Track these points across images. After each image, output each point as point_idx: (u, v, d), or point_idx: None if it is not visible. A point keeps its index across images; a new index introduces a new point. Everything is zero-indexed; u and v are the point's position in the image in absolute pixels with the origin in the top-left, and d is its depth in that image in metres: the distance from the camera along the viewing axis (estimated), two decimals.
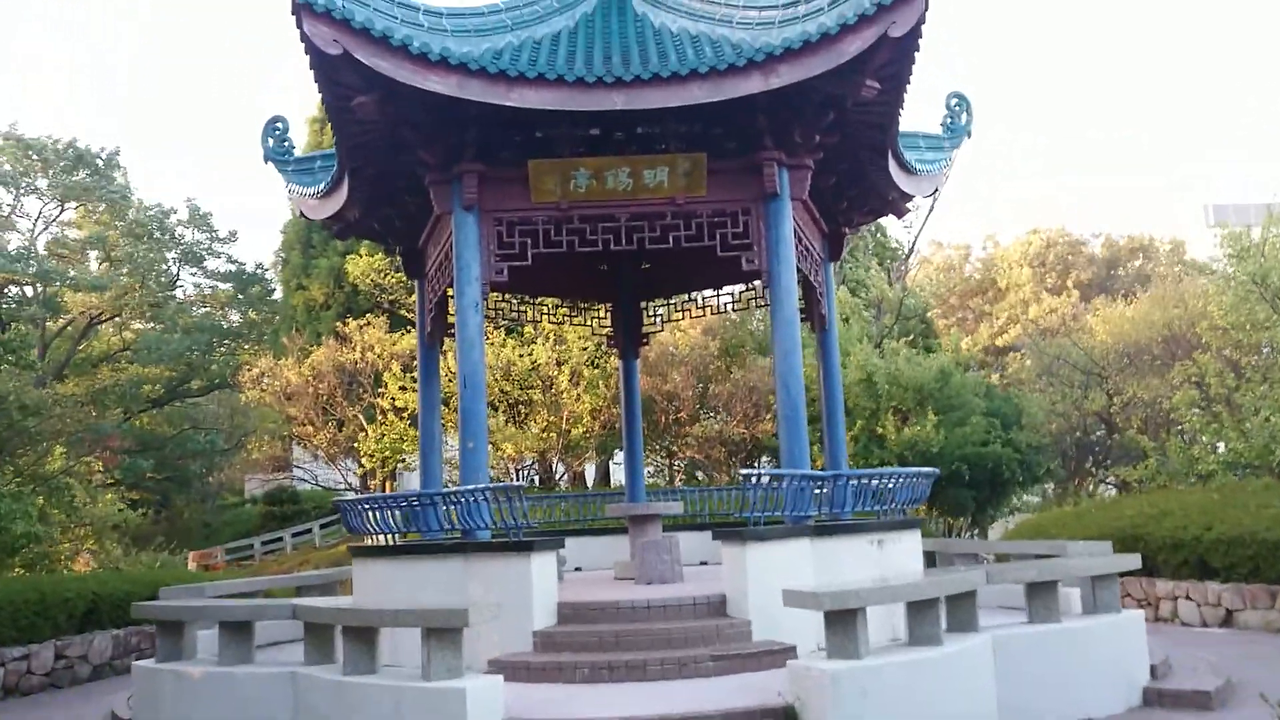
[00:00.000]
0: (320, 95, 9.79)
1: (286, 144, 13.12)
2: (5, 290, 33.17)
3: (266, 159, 12.96)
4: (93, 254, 36.41)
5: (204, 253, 37.44)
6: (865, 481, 10.56)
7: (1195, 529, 14.06)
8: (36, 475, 17.08)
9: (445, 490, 10.08)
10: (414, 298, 14.64)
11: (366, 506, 10.49)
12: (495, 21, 10.97)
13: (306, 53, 9.23)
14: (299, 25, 9.00)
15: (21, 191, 34.09)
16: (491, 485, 9.52)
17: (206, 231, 37.38)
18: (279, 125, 13.08)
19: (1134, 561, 9.76)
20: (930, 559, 13.31)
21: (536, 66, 9.56)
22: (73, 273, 32.86)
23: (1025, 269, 41.52)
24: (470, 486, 9.58)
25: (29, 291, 33.49)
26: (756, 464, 25.62)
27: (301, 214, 13.29)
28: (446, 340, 12.82)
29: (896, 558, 10.29)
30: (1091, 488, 27.79)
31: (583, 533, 14.34)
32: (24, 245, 33.15)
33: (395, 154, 10.71)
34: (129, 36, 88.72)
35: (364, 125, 10.19)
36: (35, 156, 33.20)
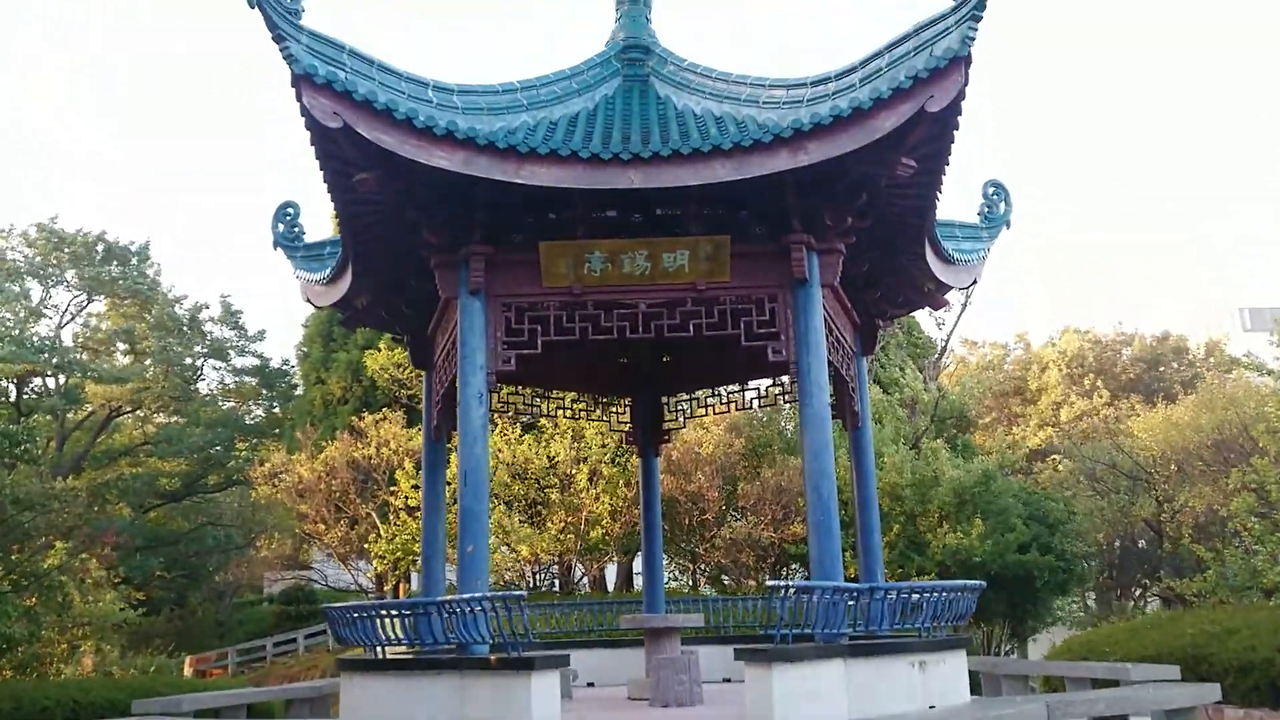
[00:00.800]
0: (321, 172, 9.26)
1: (297, 229, 12.66)
2: (27, 381, 32.99)
3: (276, 245, 12.51)
4: (120, 346, 36.32)
5: (231, 349, 37.29)
6: (904, 595, 9.55)
7: (1266, 650, 12.79)
8: (27, 573, 16.28)
9: (440, 599, 9.17)
10: None
11: (355, 615, 9.59)
12: (510, 101, 10.50)
13: (307, 127, 8.72)
14: (299, 97, 8.50)
15: (51, 283, 34.23)
16: (490, 594, 8.61)
17: (236, 329, 37.29)
18: (290, 210, 12.67)
19: (1214, 693, 8.66)
20: (974, 679, 12.16)
21: (549, 143, 9.00)
22: (94, 364, 32.66)
23: (1055, 371, 40.50)
24: (467, 595, 8.69)
25: (51, 383, 33.29)
26: (785, 572, 24.38)
27: (308, 300, 12.72)
28: (454, 435, 12.06)
29: (940, 682, 9.22)
30: (1140, 599, 26.26)
31: (597, 644, 13.35)
32: (49, 336, 33.07)
33: (400, 235, 10.13)
34: (166, 127, 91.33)
35: (367, 204, 9.65)
36: (67, 249, 33.39)
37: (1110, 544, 24.33)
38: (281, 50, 8.46)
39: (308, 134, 8.81)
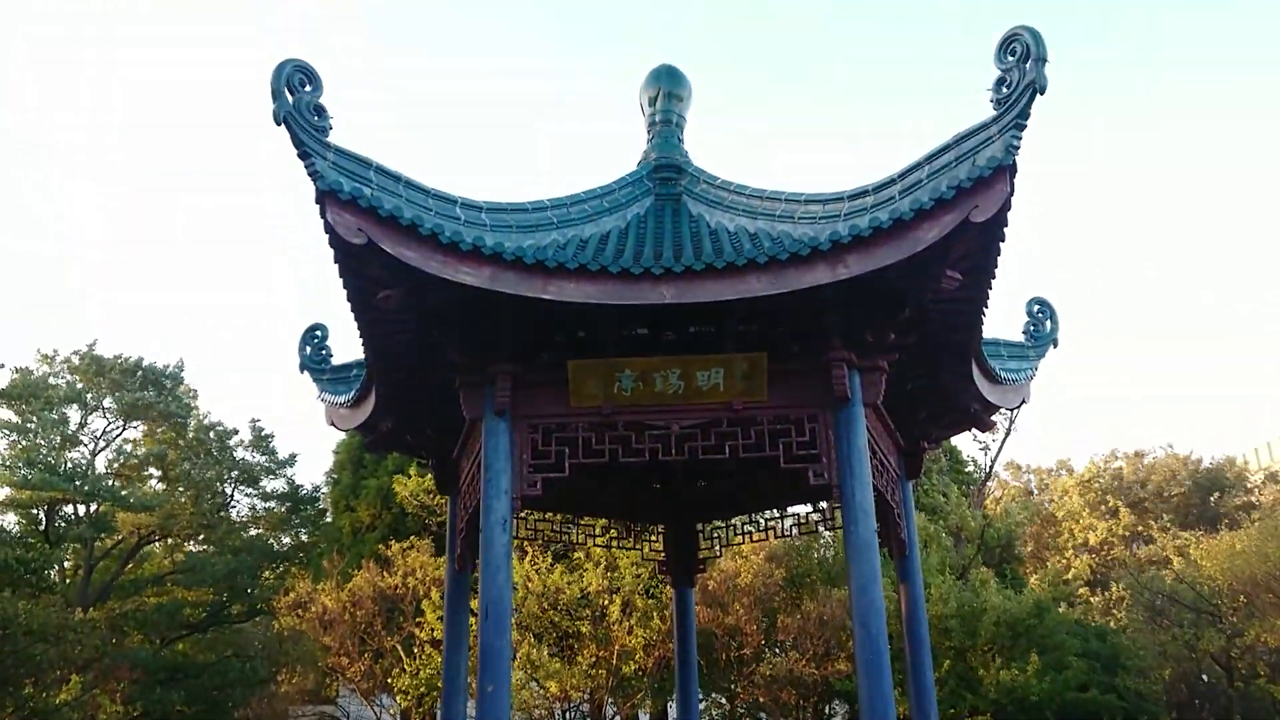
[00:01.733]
0: (344, 289, 9.02)
1: (324, 352, 12.48)
2: (58, 508, 32.79)
3: (302, 368, 12.31)
4: (152, 472, 36.20)
5: (261, 473, 37.03)
6: None
7: None
8: (38, 710, 15.65)
9: None
10: None
11: None
12: (540, 219, 10.31)
13: (330, 244, 8.52)
14: (323, 214, 8.33)
15: (89, 410, 34.40)
16: None
17: (267, 454, 37.11)
18: (318, 333, 12.52)
19: None
20: None
21: (578, 259, 8.71)
22: (125, 491, 32.47)
23: (1077, 497, 39.25)
24: None
25: (81, 509, 33.08)
26: (829, 710, 23.08)
27: (332, 424, 12.39)
28: (479, 564, 11.50)
29: None
30: None
31: None
32: (81, 462, 33.04)
33: (425, 355, 9.82)
34: (200, 241, 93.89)
35: (390, 323, 9.37)
36: (106, 375, 33.66)
37: (1175, 683, 22.86)
38: (307, 167, 8.34)
39: (331, 251, 8.63)
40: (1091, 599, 29.48)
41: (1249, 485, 41.89)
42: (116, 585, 33.15)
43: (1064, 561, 34.98)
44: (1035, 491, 43.55)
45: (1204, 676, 23.82)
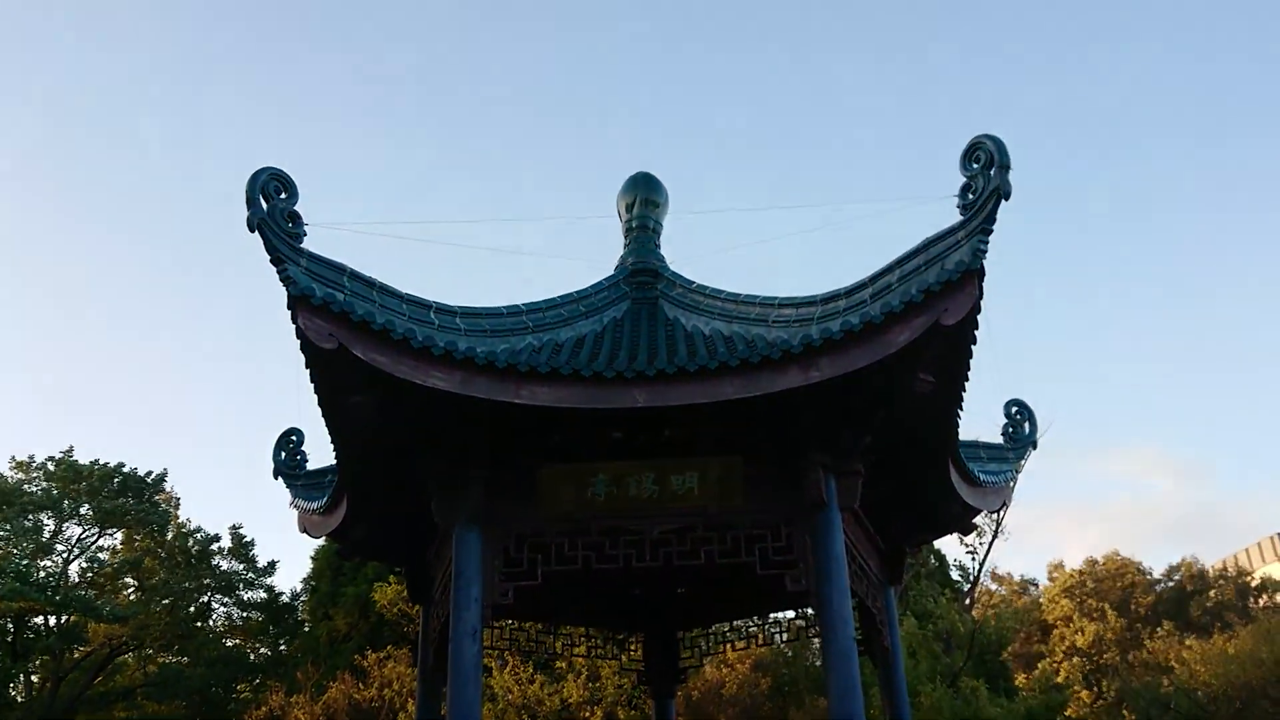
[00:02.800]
0: (315, 395, 8.95)
1: (299, 457, 12.31)
2: (27, 619, 31.93)
3: (276, 473, 12.13)
4: (127, 580, 35.41)
5: (240, 582, 36.25)
6: None
7: None
8: None
9: None
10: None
11: None
12: (514, 323, 10.34)
13: (302, 350, 8.48)
14: (294, 319, 8.31)
15: (64, 517, 33.80)
16: None
17: (246, 562, 36.41)
18: (294, 438, 12.36)
19: None
20: None
21: (551, 363, 8.70)
22: (98, 601, 31.70)
23: (1064, 601, 38.69)
24: None
25: (51, 620, 32.23)
26: None
27: (305, 531, 12.17)
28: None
29: None
30: None
31: None
32: (54, 571, 32.31)
33: (396, 461, 9.71)
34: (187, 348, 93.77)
35: (362, 428, 9.27)
36: (84, 482, 33.19)
37: None
38: (280, 273, 8.35)
39: (302, 357, 8.59)
40: (1084, 697, 28.78)
41: (1223, 588, 41.45)
42: (85, 699, 32.09)
43: (1053, 666, 34.30)
44: (1024, 595, 42.93)
45: None
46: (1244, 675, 21.88)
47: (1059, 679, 25.85)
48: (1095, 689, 28.21)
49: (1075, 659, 33.89)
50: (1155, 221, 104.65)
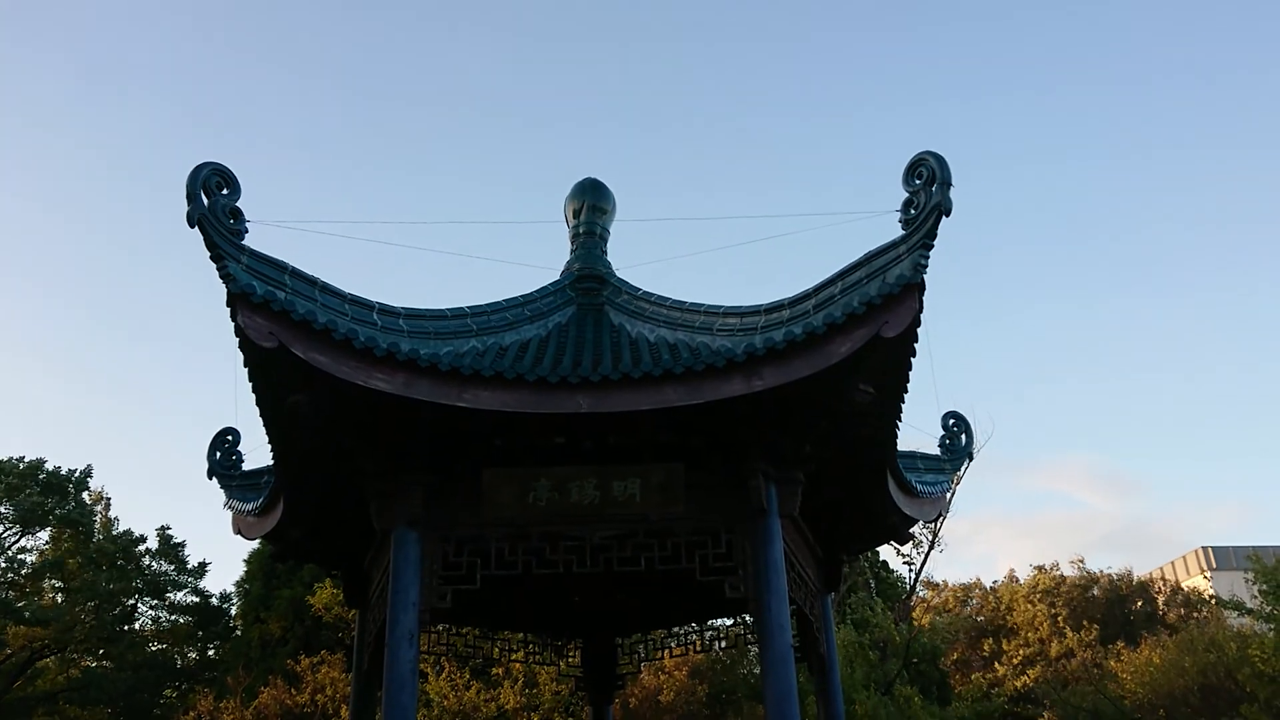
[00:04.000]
0: (254, 394, 8.81)
1: (235, 458, 12.08)
2: None
3: (210, 473, 11.90)
4: (51, 582, 34.37)
5: (168, 584, 35.39)
6: None
7: None
8: None
9: None
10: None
11: None
12: (459, 326, 10.29)
13: (240, 348, 8.34)
14: (234, 316, 8.17)
15: None
16: None
17: (175, 563, 35.56)
18: (229, 438, 12.14)
19: None
20: None
21: (495, 366, 8.65)
22: (19, 603, 30.75)
23: (1038, 606, 39.27)
24: None
25: None
26: None
27: (239, 533, 11.95)
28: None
29: None
30: None
31: None
32: None
33: (335, 463, 9.58)
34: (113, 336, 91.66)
35: (301, 429, 9.12)
36: (2, 480, 32.17)
37: None
38: (219, 270, 8.22)
39: (241, 355, 8.45)
40: (1030, 713, 29.25)
41: (1158, 598, 42.49)
42: (4, 703, 31.07)
43: (1005, 672, 34.69)
44: (963, 605, 43.54)
45: None
46: (1168, 684, 22.45)
47: (1018, 685, 26.27)
48: (1034, 703, 28.67)
49: (1038, 666, 34.27)
50: (1092, 234, 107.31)
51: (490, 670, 22.03)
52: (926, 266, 8.28)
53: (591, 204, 12.40)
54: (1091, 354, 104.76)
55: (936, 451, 12.56)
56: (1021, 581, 42.32)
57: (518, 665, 19.96)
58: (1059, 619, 38.19)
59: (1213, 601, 34.91)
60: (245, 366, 8.56)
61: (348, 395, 8.49)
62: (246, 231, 8.49)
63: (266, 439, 9.51)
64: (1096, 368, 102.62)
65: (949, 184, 8.31)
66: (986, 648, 38.72)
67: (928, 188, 8.40)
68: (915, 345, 8.60)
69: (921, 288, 8.25)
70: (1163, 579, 47.02)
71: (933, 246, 8.33)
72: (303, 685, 23.26)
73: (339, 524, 11.06)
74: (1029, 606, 39.22)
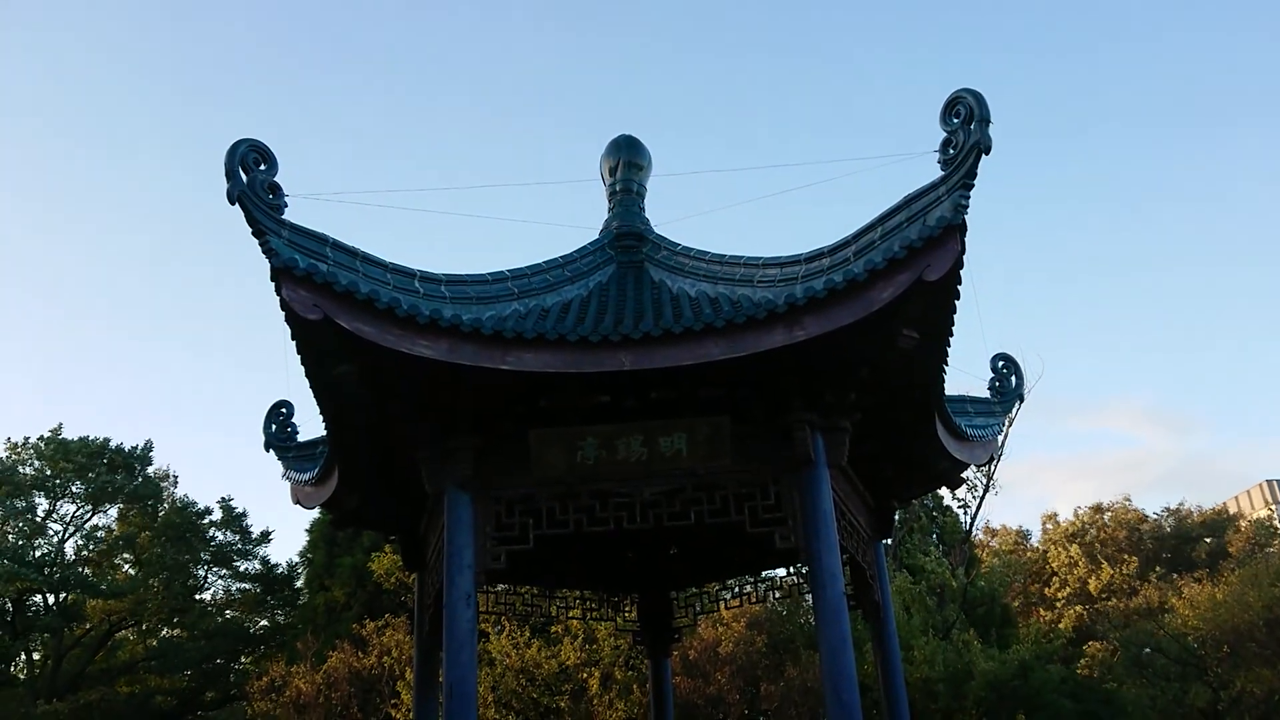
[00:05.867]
0: (302, 366, 8.95)
1: (290, 429, 12.34)
2: (26, 598, 32.04)
3: (267, 446, 12.17)
4: (123, 556, 35.51)
5: (234, 554, 36.40)
6: None
7: None
8: None
9: None
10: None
11: None
12: (500, 289, 10.32)
13: (286, 321, 8.46)
14: (278, 291, 8.28)
15: (58, 496, 33.83)
16: None
17: (239, 533, 36.52)
18: (283, 410, 12.41)
19: None
20: None
21: (536, 328, 8.70)
22: (95, 578, 31.81)
23: (1071, 547, 38.99)
24: None
25: (50, 599, 32.34)
26: None
27: (297, 503, 12.21)
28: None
29: None
30: None
31: None
32: (50, 550, 32.39)
33: (386, 429, 9.73)
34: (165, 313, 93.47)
35: (350, 399, 9.28)
36: (73, 460, 33.16)
37: None
38: (261, 245, 8.32)
39: (288, 328, 8.58)
40: (1088, 651, 29.13)
41: (1226, 533, 41.90)
42: (87, 675, 32.29)
43: (1053, 615, 34.63)
44: (1022, 546, 43.30)
45: None
46: (1232, 620, 22.17)
47: (1054, 631, 26.18)
48: (1104, 639, 28.51)
49: (1077, 607, 34.20)
50: (1144, 173, 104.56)
51: (550, 628, 22.37)
52: (967, 207, 8.14)
53: (627, 160, 12.32)
54: (1143, 286, 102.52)
55: (986, 395, 12.46)
56: (1080, 523, 41.98)
57: (576, 622, 20.22)
58: (1096, 555, 37.88)
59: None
60: (292, 339, 8.70)
61: (393, 363, 8.60)
62: (286, 206, 8.57)
63: (318, 410, 9.68)
64: (1148, 301, 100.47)
65: (988, 121, 8.14)
66: (1050, 589, 38.56)
67: (966, 126, 8.23)
68: (959, 288, 8.50)
69: (963, 229, 8.11)
70: (1226, 513, 46.36)
71: (973, 186, 8.18)
72: (369, 649, 23.80)
73: (393, 490, 11.25)
74: (1061, 550, 38.99)
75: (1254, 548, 37.32)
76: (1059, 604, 36.47)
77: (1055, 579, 38.67)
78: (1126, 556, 37.61)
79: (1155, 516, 42.74)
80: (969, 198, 8.15)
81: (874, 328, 8.54)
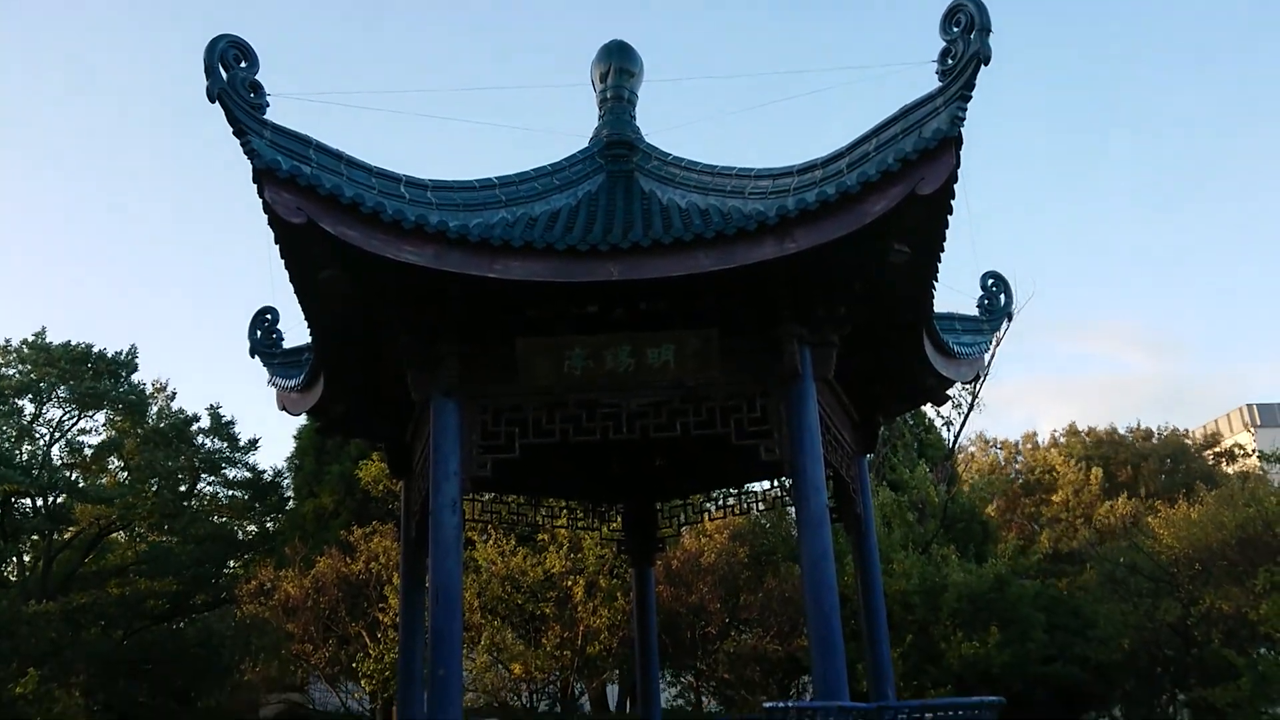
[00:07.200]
0: (286, 270, 8.84)
1: (275, 335, 12.27)
2: (14, 502, 32.18)
3: (252, 352, 12.11)
4: (111, 461, 35.61)
5: (223, 461, 36.54)
6: (917, 715, 8.74)
7: None
8: None
9: None
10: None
11: None
12: (487, 196, 10.17)
13: (270, 224, 8.33)
14: (261, 193, 8.14)
15: (43, 400, 33.73)
16: None
17: (227, 440, 36.60)
18: (268, 316, 12.32)
19: None
20: None
21: (524, 236, 8.59)
22: (84, 483, 31.92)
23: (1071, 470, 39.45)
24: None
25: (38, 502, 32.50)
26: (795, 686, 23.20)
27: (284, 409, 12.20)
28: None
29: None
30: (1171, 710, 24.88)
31: None
32: (37, 454, 32.43)
33: (372, 336, 9.68)
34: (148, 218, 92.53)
35: (335, 304, 9.21)
36: (57, 364, 32.97)
37: (1135, 651, 23.14)
38: (243, 145, 8.16)
39: (272, 232, 8.45)
40: (1067, 575, 29.73)
41: (1203, 455, 42.48)
42: (78, 577, 32.64)
43: (1035, 529, 35.14)
44: (1004, 464, 43.84)
45: (1163, 645, 24.16)
46: (1206, 538, 22.55)
47: (1034, 547, 26.66)
48: (1081, 561, 29.07)
49: (1077, 534, 34.73)
50: (1137, 91, 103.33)
51: (536, 537, 22.67)
52: (964, 119, 8.00)
53: (618, 67, 12.04)
54: (1131, 210, 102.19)
55: (975, 313, 12.44)
56: (1063, 443, 42.47)
57: (562, 531, 20.50)
58: (1091, 477, 38.34)
59: (1255, 456, 34.87)
60: (276, 243, 8.58)
61: (379, 269, 8.52)
62: (268, 105, 8.39)
63: (303, 316, 9.60)
64: (1137, 224, 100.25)
65: (988, 30, 7.96)
66: (1030, 506, 39.08)
67: (965, 35, 8.06)
68: (952, 202, 8.40)
69: (959, 141, 7.99)
70: (1206, 436, 46.97)
71: (970, 98, 8.04)
72: (357, 555, 24.12)
73: (380, 397, 11.26)
74: (1074, 472, 39.29)
75: (1231, 470, 37.93)
76: (1059, 526, 36.96)
77: (1059, 500, 39.01)
78: (1094, 478, 38.16)
79: (1126, 434, 43.24)
80: (966, 109, 8.01)
81: (865, 241, 8.47)
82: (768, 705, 7.78)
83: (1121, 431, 43.56)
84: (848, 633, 9.11)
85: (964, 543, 24.85)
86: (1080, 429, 43.61)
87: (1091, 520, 34.41)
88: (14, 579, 32.20)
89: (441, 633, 8.52)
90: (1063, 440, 43.31)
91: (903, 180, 8.11)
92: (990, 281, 12.50)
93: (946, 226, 8.61)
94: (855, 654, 11.94)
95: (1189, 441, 44.27)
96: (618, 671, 24.25)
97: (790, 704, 7.87)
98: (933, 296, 9.78)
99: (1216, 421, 59.53)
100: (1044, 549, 27.18)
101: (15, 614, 15.78)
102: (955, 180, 8.13)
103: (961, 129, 7.98)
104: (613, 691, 27.57)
